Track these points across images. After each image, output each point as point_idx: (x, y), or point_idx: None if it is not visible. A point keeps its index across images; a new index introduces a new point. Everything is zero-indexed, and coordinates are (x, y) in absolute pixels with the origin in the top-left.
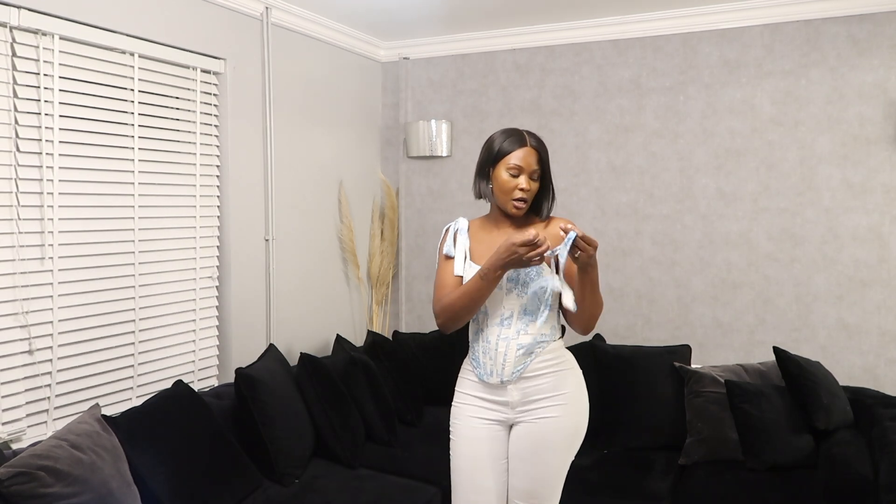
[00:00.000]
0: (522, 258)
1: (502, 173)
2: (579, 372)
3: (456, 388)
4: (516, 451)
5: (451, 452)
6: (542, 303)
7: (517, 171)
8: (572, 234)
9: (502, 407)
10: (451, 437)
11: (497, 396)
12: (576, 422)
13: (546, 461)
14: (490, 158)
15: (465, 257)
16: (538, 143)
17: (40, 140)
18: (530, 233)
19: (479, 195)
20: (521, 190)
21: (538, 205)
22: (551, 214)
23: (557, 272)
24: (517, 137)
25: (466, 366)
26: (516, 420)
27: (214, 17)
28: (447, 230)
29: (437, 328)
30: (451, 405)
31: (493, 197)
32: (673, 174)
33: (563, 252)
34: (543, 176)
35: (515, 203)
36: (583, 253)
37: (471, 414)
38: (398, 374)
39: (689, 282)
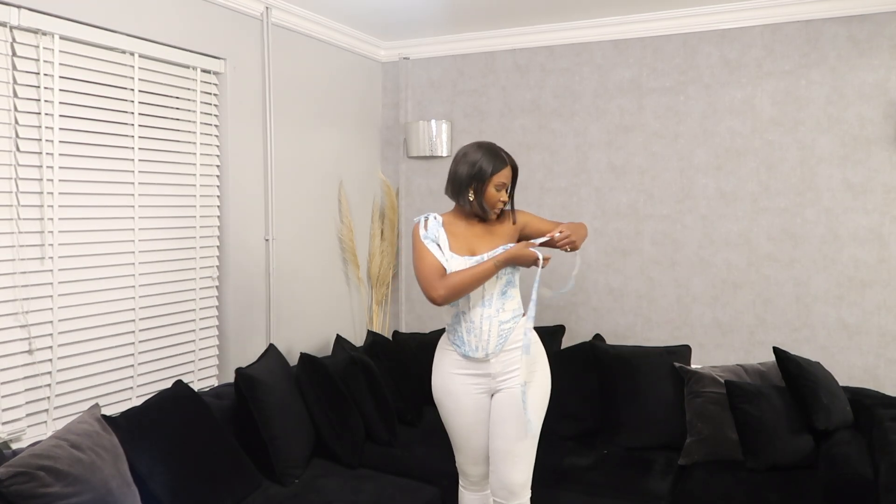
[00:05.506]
0: (527, 260)
1: (491, 189)
2: (542, 345)
3: (436, 367)
4: (499, 415)
5: (443, 420)
6: (514, 285)
7: (502, 187)
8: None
9: (485, 378)
10: (440, 408)
11: (480, 370)
12: (546, 386)
13: (524, 421)
14: (478, 176)
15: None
16: (511, 160)
17: (40, 140)
18: (553, 235)
19: (456, 200)
20: (503, 202)
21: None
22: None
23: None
24: (500, 159)
25: (446, 346)
26: (497, 388)
27: (214, 17)
28: (426, 220)
29: (436, 328)
30: None
31: (474, 204)
32: (673, 174)
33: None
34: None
35: (496, 210)
36: (570, 247)
37: (457, 390)
38: (398, 374)
39: (689, 282)
